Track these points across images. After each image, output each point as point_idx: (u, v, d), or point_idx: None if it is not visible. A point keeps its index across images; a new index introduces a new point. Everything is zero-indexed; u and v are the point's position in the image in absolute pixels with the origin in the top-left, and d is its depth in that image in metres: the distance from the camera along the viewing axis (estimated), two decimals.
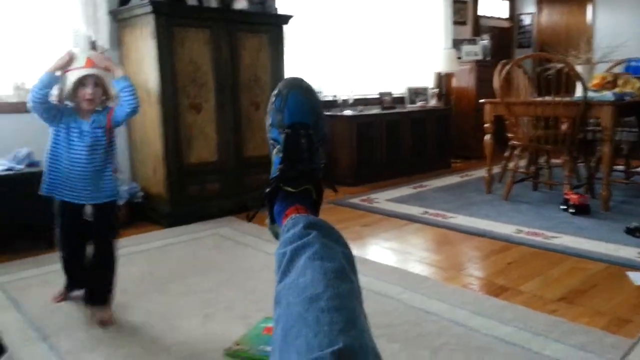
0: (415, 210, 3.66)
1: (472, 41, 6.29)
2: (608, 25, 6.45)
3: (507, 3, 7.43)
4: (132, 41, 3.43)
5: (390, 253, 2.83)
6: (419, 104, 5.58)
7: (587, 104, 3.43)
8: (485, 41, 6.42)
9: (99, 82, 1.90)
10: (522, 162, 4.33)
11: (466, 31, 6.66)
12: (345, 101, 4.86)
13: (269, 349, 1.64)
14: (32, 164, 2.96)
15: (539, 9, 7.32)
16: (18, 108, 3.18)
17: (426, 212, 3.60)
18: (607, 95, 3.48)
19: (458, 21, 6.48)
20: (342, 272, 0.84)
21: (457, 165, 5.65)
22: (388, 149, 4.96)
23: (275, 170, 1.07)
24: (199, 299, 2.20)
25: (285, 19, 3.87)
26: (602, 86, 3.84)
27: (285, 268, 0.87)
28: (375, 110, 5.10)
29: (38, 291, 2.30)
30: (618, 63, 4.56)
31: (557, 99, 3.49)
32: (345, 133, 4.64)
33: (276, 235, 1.06)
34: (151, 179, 3.47)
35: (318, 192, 1.09)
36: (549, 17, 7.25)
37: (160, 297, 2.23)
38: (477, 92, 5.89)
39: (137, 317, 2.03)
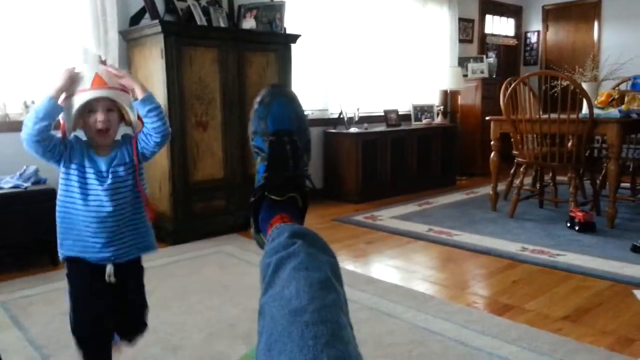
0: (419, 228, 3.65)
1: (478, 59, 6.33)
2: (614, 43, 6.46)
3: (513, 21, 7.47)
4: (141, 60, 3.49)
5: (395, 271, 2.82)
6: (425, 121, 5.60)
7: (593, 122, 3.43)
8: (491, 59, 6.46)
9: (113, 106, 1.42)
10: (528, 180, 4.32)
11: (472, 49, 6.70)
12: (350, 118, 4.89)
13: None
14: (38, 182, 3.00)
15: (545, 27, 7.36)
16: None
17: (431, 230, 3.59)
18: (613, 112, 3.48)
19: (464, 39, 6.53)
20: (327, 282, 0.83)
21: (463, 183, 5.64)
22: (393, 166, 4.96)
23: (260, 179, 1.06)
24: (202, 317, 2.20)
25: (293, 38, 3.92)
26: (608, 103, 3.84)
27: (270, 279, 0.85)
28: (380, 128, 5.12)
29: (40, 309, 2.31)
30: (624, 81, 4.56)
31: (563, 116, 3.49)
32: (350, 150, 4.65)
33: (261, 245, 1.05)
34: (156, 197, 3.49)
35: (304, 199, 1.08)
36: (555, 34, 7.28)
37: (164, 315, 2.23)
38: (482, 109, 5.91)
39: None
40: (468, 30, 6.64)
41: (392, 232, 3.58)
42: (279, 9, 3.92)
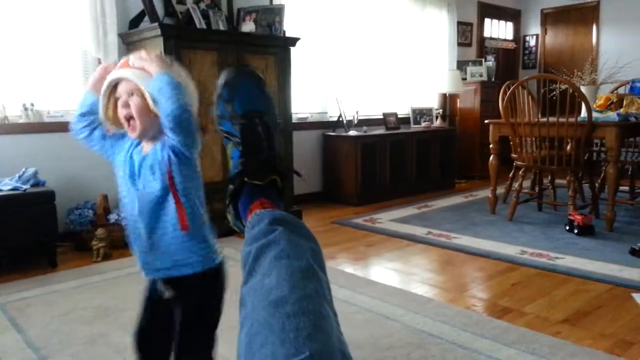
0: (418, 231, 3.65)
1: (476, 62, 6.34)
2: (612, 47, 6.48)
3: (512, 25, 7.49)
4: None
5: (394, 274, 2.82)
6: (424, 124, 5.61)
7: (592, 125, 3.43)
8: (490, 62, 6.47)
9: (135, 90, 1.22)
10: (527, 183, 4.32)
11: (471, 52, 6.72)
12: (350, 121, 4.90)
13: None
14: (37, 184, 3.00)
15: (544, 31, 7.38)
16: (26, 129, 3.23)
17: (430, 233, 3.59)
18: (612, 116, 3.49)
19: (463, 42, 6.55)
20: (309, 270, 0.81)
21: (462, 186, 5.64)
22: (392, 169, 4.97)
23: (236, 165, 1.02)
24: None
25: (293, 41, 3.93)
26: (607, 107, 3.85)
27: (251, 267, 0.83)
28: (379, 131, 5.13)
29: (38, 311, 2.31)
30: (622, 84, 4.57)
31: (562, 119, 3.50)
32: (349, 153, 4.66)
33: (242, 231, 1.01)
34: None
35: (283, 180, 1.04)
36: (554, 38, 7.30)
37: None
38: (481, 112, 5.92)
39: None
40: (467, 34, 6.66)
41: (391, 235, 3.58)
42: (279, 12, 3.93)
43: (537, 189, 4.24)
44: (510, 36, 7.49)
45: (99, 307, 2.34)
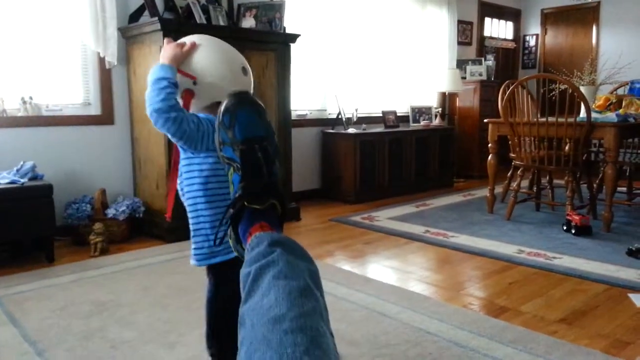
0: (416, 229, 3.65)
1: (476, 61, 6.34)
2: (612, 47, 6.49)
3: (512, 24, 7.49)
4: (140, 57, 3.48)
5: (391, 272, 2.82)
6: (423, 123, 5.61)
7: (590, 125, 3.44)
8: (489, 62, 6.47)
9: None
10: (525, 183, 4.33)
11: (471, 51, 6.72)
12: (349, 119, 4.89)
13: None
14: (35, 177, 2.99)
15: (544, 30, 7.39)
16: (24, 122, 3.22)
17: (428, 231, 3.60)
18: (611, 116, 3.49)
19: (463, 41, 6.55)
20: (306, 290, 0.83)
21: (460, 185, 5.65)
22: (391, 167, 4.97)
23: (236, 189, 1.05)
24: (198, 315, 2.19)
25: (293, 37, 3.92)
26: (606, 107, 3.85)
27: (250, 288, 0.86)
28: (378, 129, 5.13)
29: (36, 305, 2.30)
30: (622, 85, 4.57)
31: (561, 119, 3.50)
32: (348, 151, 4.65)
33: (242, 255, 1.04)
34: (154, 194, 3.49)
35: (282, 205, 1.07)
36: (554, 38, 7.31)
37: (159, 313, 2.22)
38: (480, 112, 5.93)
39: (136, 332, 2.03)
40: (467, 33, 6.65)
41: (389, 233, 3.58)
42: (279, 8, 3.92)
43: (535, 188, 4.24)
44: (510, 36, 7.49)
45: (96, 302, 2.34)
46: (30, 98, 3.26)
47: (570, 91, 3.44)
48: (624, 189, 4.31)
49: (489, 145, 4.08)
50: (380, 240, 3.44)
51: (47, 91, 3.38)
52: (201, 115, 1.33)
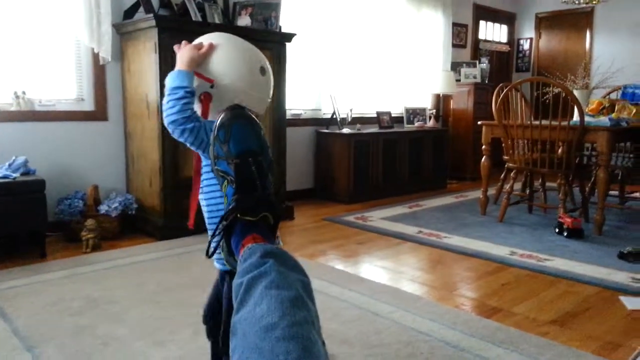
0: (409, 230, 3.66)
1: (471, 64, 6.36)
2: (605, 52, 6.53)
3: (507, 27, 7.53)
4: (135, 54, 3.46)
5: (384, 271, 2.82)
6: (417, 124, 5.62)
7: (583, 129, 3.46)
8: (484, 64, 6.50)
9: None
10: (518, 185, 4.35)
11: (465, 54, 6.74)
12: (343, 119, 4.89)
13: None
14: (27, 172, 2.97)
15: (538, 34, 7.43)
16: (17, 117, 3.20)
17: (420, 232, 3.60)
18: (604, 120, 3.52)
19: (457, 44, 6.57)
20: (298, 300, 0.84)
21: (453, 186, 5.67)
22: (385, 168, 4.97)
23: (230, 202, 1.07)
24: (189, 313, 2.18)
25: (289, 36, 3.92)
26: (599, 111, 3.88)
27: (242, 298, 0.87)
28: (373, 129, 5.13)
29: (26, 300, 2.28)
30: (614, 89, 4.61)
31: (554, 122, 3.52)
32: (342, 151, 4.66)
33: (233, 267, 1.05)
34: (146, 191, 3.47)
35: (275, 217, 1.10)
36: (548, 42, 7.35)
37: (150, 310, 2.21)
38: (474, 114, 5.94)
39: (127, 329, 2.02)
40: (462, 35, 6.68)
41: (382, 233, 3.58)
42: (275, 7, 3.92)
43: (527, 191, 4.26)
44: (504, 39, 7.53)
45: (87, 298, 2.33)
46: (24, 93, 3.24)
47: (563, 95, 3.46)
48: (616, 192, 4.34)
49: (483, 147, 4.10)
50: (373, 240, 3.45)
51: (41, 86, 3.35)
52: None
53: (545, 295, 2.47)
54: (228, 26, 3.73)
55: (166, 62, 3.23)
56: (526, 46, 7.56)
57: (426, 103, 5.95)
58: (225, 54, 1.30)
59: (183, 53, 1.29)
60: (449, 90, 5.72)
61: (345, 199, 4.65)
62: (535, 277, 2.73)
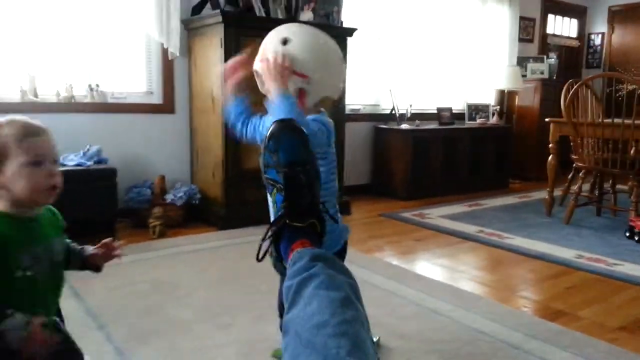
0: (469, 229, 3.58)
1: (538, 59, 6.13)
2: None
3: (577, 21, 7.20)
4: (201, 49, 3.57)
5: (442, 270, 2.78)
6: (479, 120, 5.48)
7: None
8: (552, 60, 6.24)
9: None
10: (586, 186, 4.16)
11: (532, 49, 6.50)
12: (402, 115, 4.85)
13: None
14: (100, 161, 3.12)
15: (611, 29, 7.05)
16: (91, 108, 3.37)
17: (481, 231, 3.52)
18: None
19: (524, 38, 6.34)
20: (347, 300, 0.87)
21: (516, 186, 5.49)
22: (444, 165, 4.89)
23: (279, 209, 1.12)
24: (250, 300, 2.24)
25: (350, 31, 3.92)
26: None
27: (292, 299, 0.90)
28: (432, 125, 5.06)
29: (97, 282, 2.40)
30: None
31: (628, 121, 3.35)
32: (401, 147, 4.61)
33: (282, 272, 1.09)
34: (210, 182, 3.58)
35: (321, 225, 1.13)
36: (621, 37, 6.96)
37: (213, 295, 2.29)
38: (540, 111, 5.72)
39: (191, 312, 2.10)
40: (529, 30, 6.44)
41: (441, 231, 3.53)
42: (337, 2, 3.92)
43: (596, 192, 4.07)
44: (574, 34, 7.20)
45: (154, 282, 2.43)
46: (97, 86, 3.41)
47: (638, 92, 3.28)
48: None
49: (550, 145, 3.95)
50: (431, 237, 3.40)
51: (113, 79, 3.52)
52: (310, 118, 1.35)
53: (613, 300, 2.37)
54: (291, 21, 3.77)
55: (231, 57, 3.29)
56: (597, 41, 7.20)
57: (489, 99, 5.80)
58: (315, 50, 1.34)
59: (271, 72, 1.33)
60: (514, 86, 5.54)
61: (402, 196, 4.61)
62: (603, 281, 2.62)
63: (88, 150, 3.13)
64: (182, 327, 1.98)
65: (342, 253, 1.52)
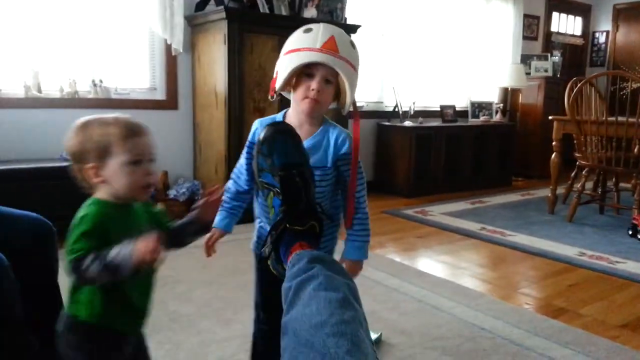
0: (472, 226, 3.58)
1: (542, 57, 6.12)
2: None
3: (581, 20, 7.18)
4: (205, 45, 3.57)
5: (444, 266, 2.79)
6: (482, 118, 5.47)
7: None
8: (556, 58, 6.22)
9: (333, 79, 1.25)
10: (589, 184, 4.15)
11: (536, 47, 6.49)
12: (405, 112, 4.84)
13: None
14: None
15: (615, 27, 7.03)
16: (94, 104, 3.38)
17: (483, 229, 3.52)
18: None
19: (528, 36, 6.33)
20: (345, 301, 0.87)
21: (519, 184, 5.49)
22: (446, 163, 4.88)
23: (277, 212, 1.12)
24: (251, 295, 2.23)
25: (354, 28, 3.92)
26: None
27: (291, 300, 0.91)
28: (435, 123, 5.05)
29: None
30: None
31: (632, 119, 3.33)
32: (404, 144, 4.61)
33: (281, 275, 1.09)
34: (212, 178, 3.58)
35: (320, 226, 1.13)
36: (626, 35, 6.94)
37: (215, 291, 2.29)
38: (544, 109, 5.70)
39: (193, 308, 2.10)
40: (533, 27, 6.43)
41: (443, 228, 3.53)
42: None
43: (599, 190, 4.07)
44: (578, 32, 7.18)
45: (157, 277, 2.43)
46: (101, 81, 3.42)
47: None
48: None
49: (553, 143, 3.94)
50: (433, 234, 3.40)
51: (116, 75, 3.53)
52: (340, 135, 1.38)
53: (615, 298, 2.36)
54: (294, 18, 3.77)
55: (234, 54, 3.31)
56: (602, 39, 7.17)
57: (493, 97, 5.78)
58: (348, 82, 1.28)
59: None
60: (518, 84, 5.53)
61: (404, 193, 4.61)
62: (605, 279, 2.61)
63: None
64: (185, 322, 1.98)
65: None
